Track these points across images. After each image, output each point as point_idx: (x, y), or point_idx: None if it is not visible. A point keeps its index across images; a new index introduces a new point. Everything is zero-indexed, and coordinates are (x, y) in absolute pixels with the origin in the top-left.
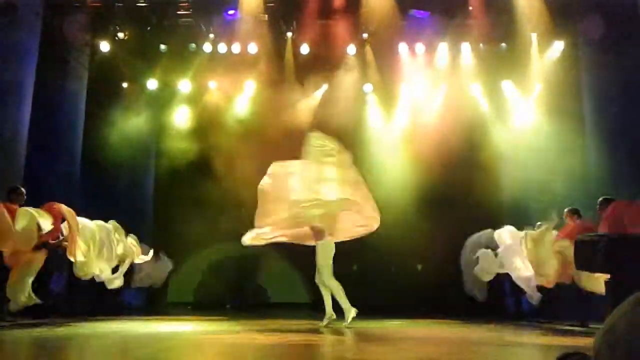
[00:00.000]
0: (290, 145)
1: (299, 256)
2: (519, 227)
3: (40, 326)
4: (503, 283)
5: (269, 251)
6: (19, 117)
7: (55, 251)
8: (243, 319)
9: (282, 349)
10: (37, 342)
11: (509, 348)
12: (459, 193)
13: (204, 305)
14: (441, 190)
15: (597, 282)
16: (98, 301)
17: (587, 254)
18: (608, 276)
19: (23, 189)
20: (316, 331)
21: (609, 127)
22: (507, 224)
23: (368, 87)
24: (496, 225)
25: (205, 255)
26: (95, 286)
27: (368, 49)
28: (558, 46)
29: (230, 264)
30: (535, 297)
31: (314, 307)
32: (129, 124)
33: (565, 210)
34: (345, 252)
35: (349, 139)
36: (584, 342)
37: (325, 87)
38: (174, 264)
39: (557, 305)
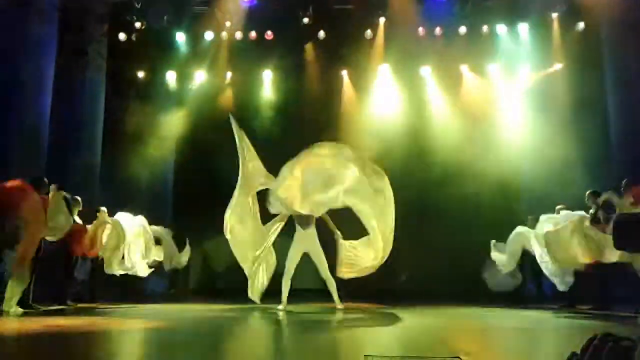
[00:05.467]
0: (310, 130)
1: None
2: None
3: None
4: (524, 266)
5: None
6: (40, 108)
7: None
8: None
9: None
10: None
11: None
12: (476, 182)
13: (226, 291)
14: (455, 180)
15: None
16: (121, 288)
17: (627, 233)
18: None
19: (46, 180)
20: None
21: (631, 109)
22: (528, 215)
23: (386, 71)
24: (516, 217)
25: (226, 242)
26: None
27: (384, 33)
28: (580, 26)
29: None
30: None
31: (323, 293)
32: (149, 113)
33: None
34: None
35: (365, 125)
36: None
37: (345, 72)
38: (196, 252)
39: (579, 289)
